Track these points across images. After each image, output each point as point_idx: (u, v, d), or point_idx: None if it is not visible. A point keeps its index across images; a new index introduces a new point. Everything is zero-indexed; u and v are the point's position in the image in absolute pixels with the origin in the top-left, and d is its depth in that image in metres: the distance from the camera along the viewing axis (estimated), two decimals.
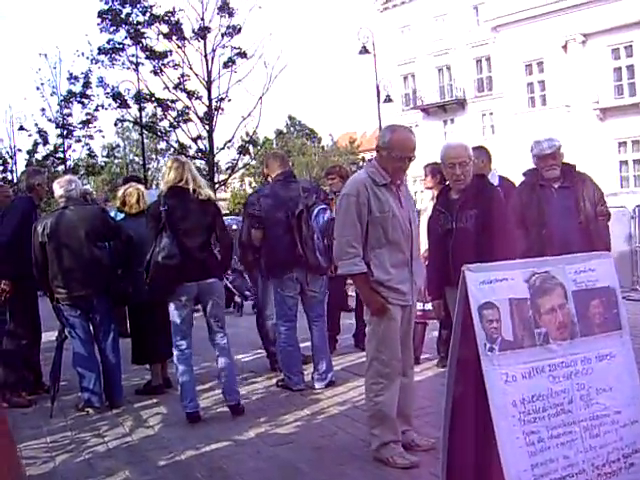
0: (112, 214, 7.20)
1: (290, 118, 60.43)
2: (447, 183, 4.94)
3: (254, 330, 7.26)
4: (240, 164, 23.71)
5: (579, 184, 5.45)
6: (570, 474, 2.74)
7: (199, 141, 22.57)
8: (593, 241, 5.25)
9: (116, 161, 67.38)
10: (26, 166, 30.89)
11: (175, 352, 5.41)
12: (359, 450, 4.51)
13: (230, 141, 22.41)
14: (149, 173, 38.00)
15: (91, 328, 5.98)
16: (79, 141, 28.31)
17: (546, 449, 2.71)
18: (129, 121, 26.92)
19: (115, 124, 27.03)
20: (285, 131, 76.06)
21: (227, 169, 23.26)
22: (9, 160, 32.09)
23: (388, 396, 4.22)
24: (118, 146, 57.02)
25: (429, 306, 5.31)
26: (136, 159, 50.97)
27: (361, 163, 68.80)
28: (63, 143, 28.49)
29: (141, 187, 6.54)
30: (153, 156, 49.14)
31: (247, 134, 23.67)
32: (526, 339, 2.78)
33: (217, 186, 22.47)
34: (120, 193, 6.55)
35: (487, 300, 2.73)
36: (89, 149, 28.70)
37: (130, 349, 6.53)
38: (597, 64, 29.81)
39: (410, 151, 4.21)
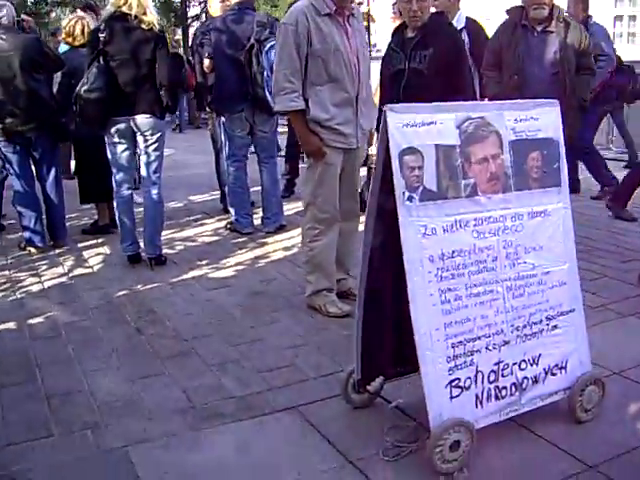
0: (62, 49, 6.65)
1: None
2: (404, 20, 4.51)
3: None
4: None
5: (564, 30, 4.96)
6: (486, 334, 2.57)
7: None
8: (568, 95, 4.90)
9: None
10: None
11: (114, 192, 5.16)
12: (296, 297, 4.40)
13: None
14: None
15: (32, 166, 5.69)
16: None
17: (463, 307, 2.53)
18: None
19: None
20: None
21: (200, 2, 21.76)
22: None
23: (324, 242, 4.04)
24: None
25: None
26: None
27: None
28: None
29: (87, 17, 6.00)
30: None
31: None
32: (451, 190, 2.51)
33: (190, 20, 21.25)
34: (64, 23, 6.04)
35: (410, 145, 2.43)
36: None
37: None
38: None
39: None
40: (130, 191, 5.14)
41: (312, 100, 3.82)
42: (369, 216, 2.67)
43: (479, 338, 2.58)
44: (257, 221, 6.17)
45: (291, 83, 3.78)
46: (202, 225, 6.42)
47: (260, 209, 6.23)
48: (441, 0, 5.85)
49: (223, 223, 6.35)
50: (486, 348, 2.60)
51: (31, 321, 4.18)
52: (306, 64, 3.78)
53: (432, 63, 4.22)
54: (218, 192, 7.30)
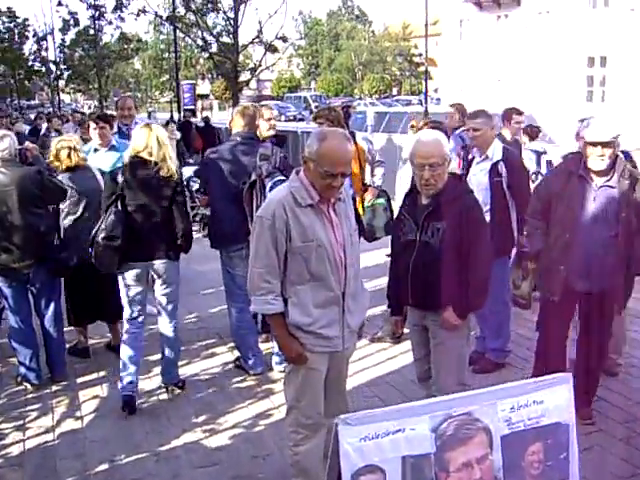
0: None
1: None
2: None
3: None
4: (266, 63, 22.09)
5: (628, 186, 4.24)
6: None
7: (223, 37, 21.04)
8: (627, 262, 4.29)
9: (162, 37, 66.05)
10: (59, 46, 30.18)
11: (124, 327, 5.05)
12: None
13: (258, 37, 20.78)
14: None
15: (31, 299, 5.41)
16: (110, 23, 27.27)
17: None
18: (151, 13, 25.77)
19: (137, 15, 25.45)
20: (336, 11, 73.37)
21: (251, 69, 21.63)
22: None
23: (309, 448, 3.54)
24: (162, 24, 55.65)
25: None
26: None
27: (412, 50, 65.68)
28: (95, 25, 27.44)
29: (73, 140, 5.68)
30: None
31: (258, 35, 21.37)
32: None
33: (239, 87, 21.14)
34: (56, 152, 5.63)
35: (368, 463, 1.97)
36: (121, 33, 27.65)
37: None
38: None
39: (343, 166, 3.22)
40: (139, 330, 5.03)
41: (292, 302, 3.35)
42: None
43: None
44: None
45: (267, 283, 3.32)
46: (211, 356, 5.99)
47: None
48: (482, 131, 5.38)
49: (234, 354, 5.91)
50: None
51: None
52: (285, 260, 3.32)
53: (446, 238, 3.77)
54: None
